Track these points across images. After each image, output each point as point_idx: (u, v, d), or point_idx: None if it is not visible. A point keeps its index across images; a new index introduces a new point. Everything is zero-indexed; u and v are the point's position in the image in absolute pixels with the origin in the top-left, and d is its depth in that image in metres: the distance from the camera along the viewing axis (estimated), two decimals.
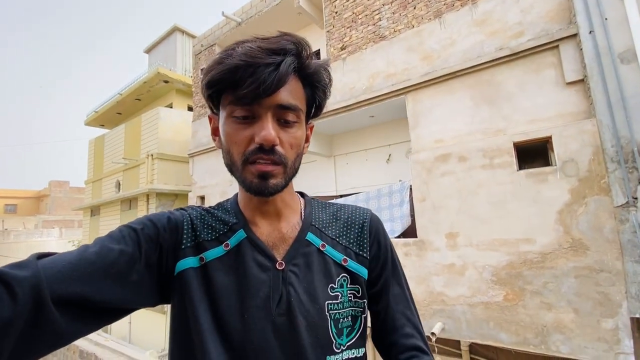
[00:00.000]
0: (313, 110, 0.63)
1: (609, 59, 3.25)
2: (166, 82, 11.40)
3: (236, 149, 0.53)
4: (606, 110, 3.23)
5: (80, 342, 5.07)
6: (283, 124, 0.54)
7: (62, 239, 21.32)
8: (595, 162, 3.29)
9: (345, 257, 0.61)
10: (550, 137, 3.55)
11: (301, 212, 0.65)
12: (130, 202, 10.32)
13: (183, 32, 13.16)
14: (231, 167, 0.56)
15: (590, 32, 3.36)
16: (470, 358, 4.68)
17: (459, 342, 4.61)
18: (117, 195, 10.52)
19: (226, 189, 7.48)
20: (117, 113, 13.61)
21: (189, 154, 8.70)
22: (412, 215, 4.62)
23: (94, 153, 12.47)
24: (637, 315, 2.96)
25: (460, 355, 4.73)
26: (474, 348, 4.68)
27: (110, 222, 10.98)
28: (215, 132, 0.62)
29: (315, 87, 0.59)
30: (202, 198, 8.16)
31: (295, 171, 0.58)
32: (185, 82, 11.44)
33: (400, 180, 5.27)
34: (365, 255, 0.63)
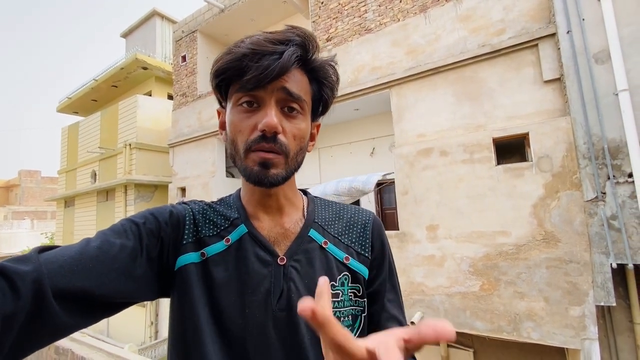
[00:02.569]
0: (321, 109, 0.63)
1: (584, 58, 3.37)
2: (145, 68, 10.96)
3: (240, 137, 0.53)
4: (580, 109, 3.37)
5: None
6: (287, 113, 0.54)
7: (34, 230, 20.42)
8: (568, 158, 3.43)
9: (347, 256, 0.62)
10: (527, 134, 3.68)
11: (304, 209, 0.65)
12: (107, 193, 9.97)
13: (163, 16, 12.64)
14: (234, 157, 0.56)
15: (568, 32, 3.46)
16: (447, 345, 4.86)
17: None
18: (93, 186, 10.14)
19: (208, 180, 7.35)
20: (93, 100, 13.01)
21: (169, 144, 8.46)
22: (394, 207, 4.68)
23: (68, 141, 11.92)
24: (602, 304, 3.15)
25: (437, 343, 4.91)
26: None
27: (86, 214, 10.60)
28: (222, 126, 0.61)
29: (322, 83, 0.59)
30: (183, 190, 7.99)
31: (297, 165, 0.58)
32: (165, 69, 11.03)
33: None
34: (366, 255, 0.64)
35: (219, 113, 0.63)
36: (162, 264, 0.54)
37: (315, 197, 0.70)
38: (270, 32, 0.53)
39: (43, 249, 0.45)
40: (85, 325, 0.47)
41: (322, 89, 0.59)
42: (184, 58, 8.42)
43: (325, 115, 0.65)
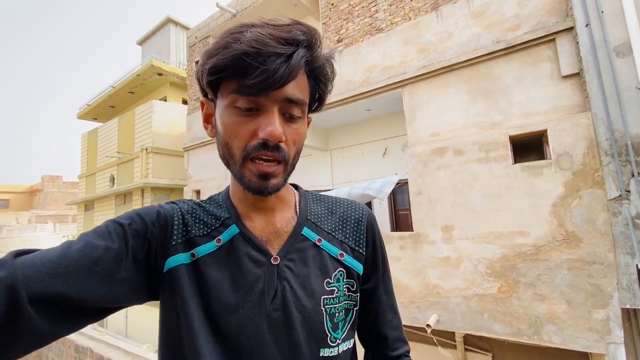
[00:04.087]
0: (315, 104, 0.60)
1: (604, 52, 3.25)
2: (160, 74, 11.24)
3: (236, 142, 0.50)
4: (601, 104, 3.25)
5: (75, 337, 5.05)
6: (288, 118, 0.51)
7: (56, 233, 21.15)
8: (589, 155, 3.31)
9: (341, 252, 0.61)
10: (545, 131, 3.57)
11: (296, 206, 0.64)
12: (124, 196, 10.24)
13: (177, 23, 12.96)
14: (228, 160, 0.53)
15: (586, 26, 3.35)
16: (465, 349, 4.75)
17: (453, 333, 4.67)
18: (111, 190, 10.43)
19: (222, 182, 7.45)
20: (110, 106, 13.43)
21: (184, 148, 8.63)
22: (407, 208, 4.62)
23: (87, 147, 12.32)
24: (628, 306, 3.02)
25: (454, 346, 4.80)
26: (468, 339, 4.75)
27: (105, 217, 10.91)
28: (208, 119, 0.58)
29: (320, 79, 0.56)
30: (198, 192, 8.12)
31: (293, 168, 0.56)
32: (179, 74, 11.29)
33: (396, 174, 5.28)
34: (361, 251, 0.63)
35: (202, 104, 0.58)
36: (150, 266, 0.52)
37: (307, 191, 0.69)
38: (273, 25, 0.49)
39: (20, 253, 0.43)
40: (66, 333, 0.44)
41: (319, 85, 0.57)
42: (197, 63, 8.58)
43: (319, 110, 0.61)
